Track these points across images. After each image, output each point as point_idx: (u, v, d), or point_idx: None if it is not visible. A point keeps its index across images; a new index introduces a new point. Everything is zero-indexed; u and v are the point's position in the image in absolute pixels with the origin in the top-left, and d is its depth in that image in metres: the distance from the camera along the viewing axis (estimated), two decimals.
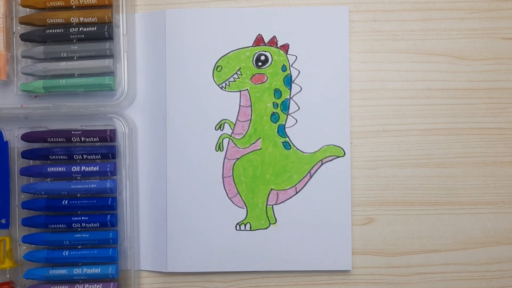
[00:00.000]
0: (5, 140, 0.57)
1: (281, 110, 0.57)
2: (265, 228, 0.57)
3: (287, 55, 0.57)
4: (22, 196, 0.57)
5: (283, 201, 0.57)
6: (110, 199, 0.56)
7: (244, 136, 0.57)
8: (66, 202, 0.56)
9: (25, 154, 0.56)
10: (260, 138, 0.57)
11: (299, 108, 0.57)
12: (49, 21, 0.56)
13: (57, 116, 0.57)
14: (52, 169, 0.56)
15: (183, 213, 0.57)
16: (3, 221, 0.57)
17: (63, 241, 0.56)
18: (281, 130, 0.57)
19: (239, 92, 0.57)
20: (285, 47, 0.57)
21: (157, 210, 0.58)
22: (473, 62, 0.58)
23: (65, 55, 0.56)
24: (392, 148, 0.58)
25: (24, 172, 0.56)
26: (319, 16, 0.57)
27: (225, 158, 0.57)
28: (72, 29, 0.55)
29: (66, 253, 0.56)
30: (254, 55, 0.57)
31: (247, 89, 0.57)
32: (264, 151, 0.57)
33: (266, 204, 0.57)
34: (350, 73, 0.57)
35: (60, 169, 0.56)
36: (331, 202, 0.57)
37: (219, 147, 0.57)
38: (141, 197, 0.58)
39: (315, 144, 0.57)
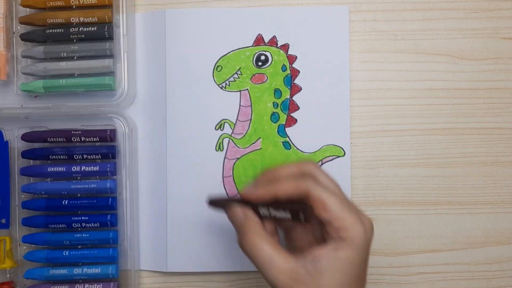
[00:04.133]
0: (5, 140, 0.57)
1: (281, 110, 0.57)
2: None
3: (287, 55, 0.57)
4: (22, 196, 0.57)
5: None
6: (110, 199, 0.56)
7: (244, 136, 0.57)
8: (66, 202, 0.56)
9: (25, 154, 0.56)
10: (260, 138, 0.57)
11: (299, 108, 0.57)
12: (49, 21, 0.56)
13: (57, 116, 0.57)
14: (52, 169, 0.56)
15: (183, 213, 0.57)
16: (3, 221, 0.57)
17: (63, 241, 0.56)
18: (281, 130, 0.57)
19: (239, 92, 0.57)
20: (285, 47, 0.57)
21: (157, 210, 0.58)
22: (473, 62, 0.58)
23: (65, 55, 0.56)
24: (392, 148, 0.58)
25: (24, 172, 0.56)
26: (319, 16, 0.57)
27: (225, 158, 0.57)
28: (72, 29, 0.55)
29: (66, 253, 0.56)
30: (254, 55, 0.57)
31: (247, 89, 0.57)
32: (264, 151, 0.57)
33: None
34: (350, 73, 0.57)
35: (60, 169, 0.56)
36: None
37: (219, 147, 0.57)
38: (141, 197, 0.58)
39: (315, 144, 0.57)
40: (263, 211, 0.47)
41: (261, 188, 0.47)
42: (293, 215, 0.46)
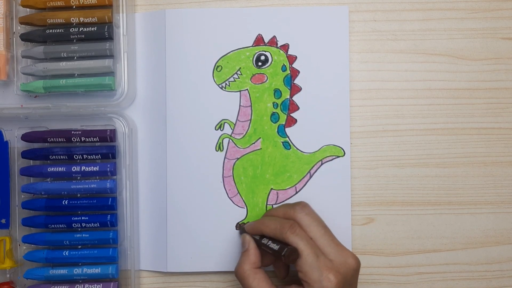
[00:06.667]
0: (5, 140, 0.57)
1: (281, 110, 0.57)
2: None
3: (287, 55, 0.57)
4: (22, 196, 0.57)
5: (283, 201, 0.57)
6: (110, 199, 0.56)
7: (244, 136, 0.57)
8: (66, 202, 0.56)
9: (25, 154, 0.56)
10: (260, 138, 0.57)
11: (299, 108, 0.57)
12: (49, 21, 0.56)
13: (57, 116, 0.57)
14: (52, 169, 0.56)
15: (183, 213, 0.57)
16: (3, 221, 0.57)
17: (63, 241, 0.56)
18: (281, 130, 0.57)
19: (239, 92, 0.57)
20: (285, 47, 0.57)
21: (157, 210, 0.58)
22: (473, 62, 0.58)
23: (65, 55, 0.56)
24: (392, 148, 0.58)
25: (24, 172, 0.56)
26: (319, 16, 0.57)
27: (225, 158, 0.57)
28: (72, 29, 0.55)
29: (66, 253, 0.56)
30: (254, 55, 0.57)
31: (247, 89, 0.57)
32: (264, 151, 0.57)
33: (266, 204, 0.57)
34: (350, 73, 0.57)
35: (60, 169, 0.56)
36: (331, 202, 0.57)
37: (219, 147, 0.57)
38: (141, 197, 0.58)
39: (315, 144, 0.57)
40: (264, 242, 0.52)
41: (254, 222, 0.54)
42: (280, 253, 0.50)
